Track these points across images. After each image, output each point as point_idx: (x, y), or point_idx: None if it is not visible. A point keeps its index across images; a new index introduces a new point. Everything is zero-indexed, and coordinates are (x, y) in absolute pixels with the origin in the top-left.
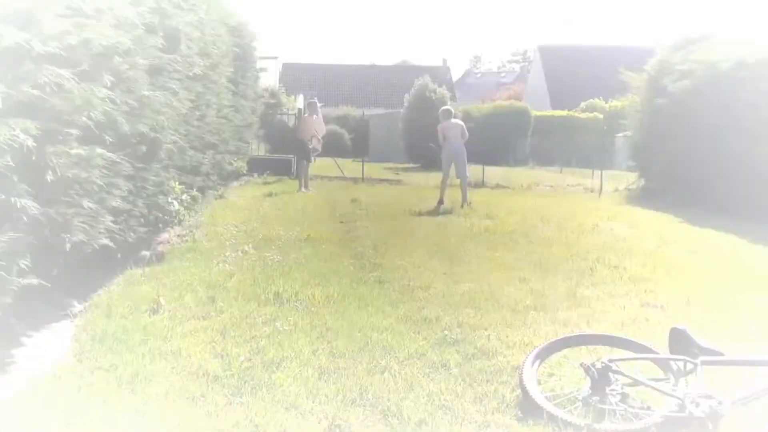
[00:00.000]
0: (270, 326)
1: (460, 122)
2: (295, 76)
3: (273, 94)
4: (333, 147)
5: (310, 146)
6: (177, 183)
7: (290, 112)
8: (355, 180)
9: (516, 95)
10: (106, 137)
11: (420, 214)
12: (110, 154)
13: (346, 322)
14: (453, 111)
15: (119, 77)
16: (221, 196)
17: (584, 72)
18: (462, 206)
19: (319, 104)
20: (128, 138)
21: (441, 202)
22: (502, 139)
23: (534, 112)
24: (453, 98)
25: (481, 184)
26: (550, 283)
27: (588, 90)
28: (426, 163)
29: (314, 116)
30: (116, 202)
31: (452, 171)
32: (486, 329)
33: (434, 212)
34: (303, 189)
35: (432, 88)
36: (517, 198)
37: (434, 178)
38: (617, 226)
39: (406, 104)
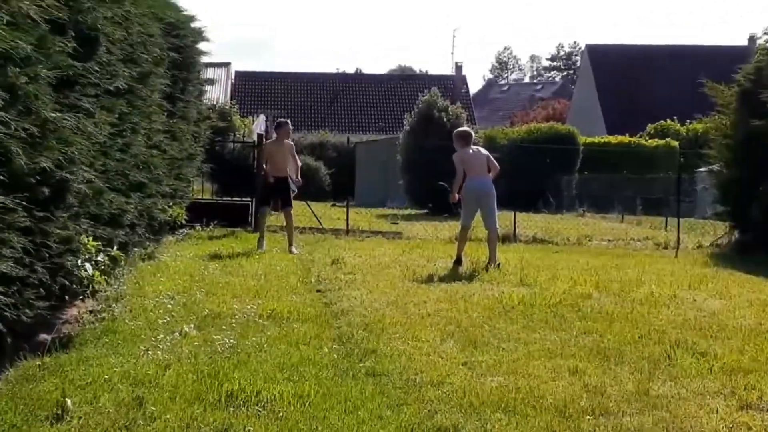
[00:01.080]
0: None
1: (485, 151)
2: (252, 89)
3: (223, 115)
4: (306, 187)
5: (271, 182)
6: (91, 238)
7: (246, 140)
8: (336, 232)
9: (557, 114)
10: None
11: (429, 279)
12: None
13: None
14: (474, 135)
15: (14, 93)
16: (151, 256)
17: (652, 82)
18: (488, 268)
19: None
20: (25, 176)
21: (459, 262)
22: (539, 175)
23: (583, 139)
24: (471, 119)
25: (512, 238)
26: (613, 375)
27: (657, 108)
28: (435, 209)
29: (274, 136)
30: (6, 266)
31: (476, 219)
32: None
33: (449, 277)
34: (261, 248)
35: (442, 105)
36: (562, 257)
37: (447, 228)
38: (703, 297)
39: (407, 127)
